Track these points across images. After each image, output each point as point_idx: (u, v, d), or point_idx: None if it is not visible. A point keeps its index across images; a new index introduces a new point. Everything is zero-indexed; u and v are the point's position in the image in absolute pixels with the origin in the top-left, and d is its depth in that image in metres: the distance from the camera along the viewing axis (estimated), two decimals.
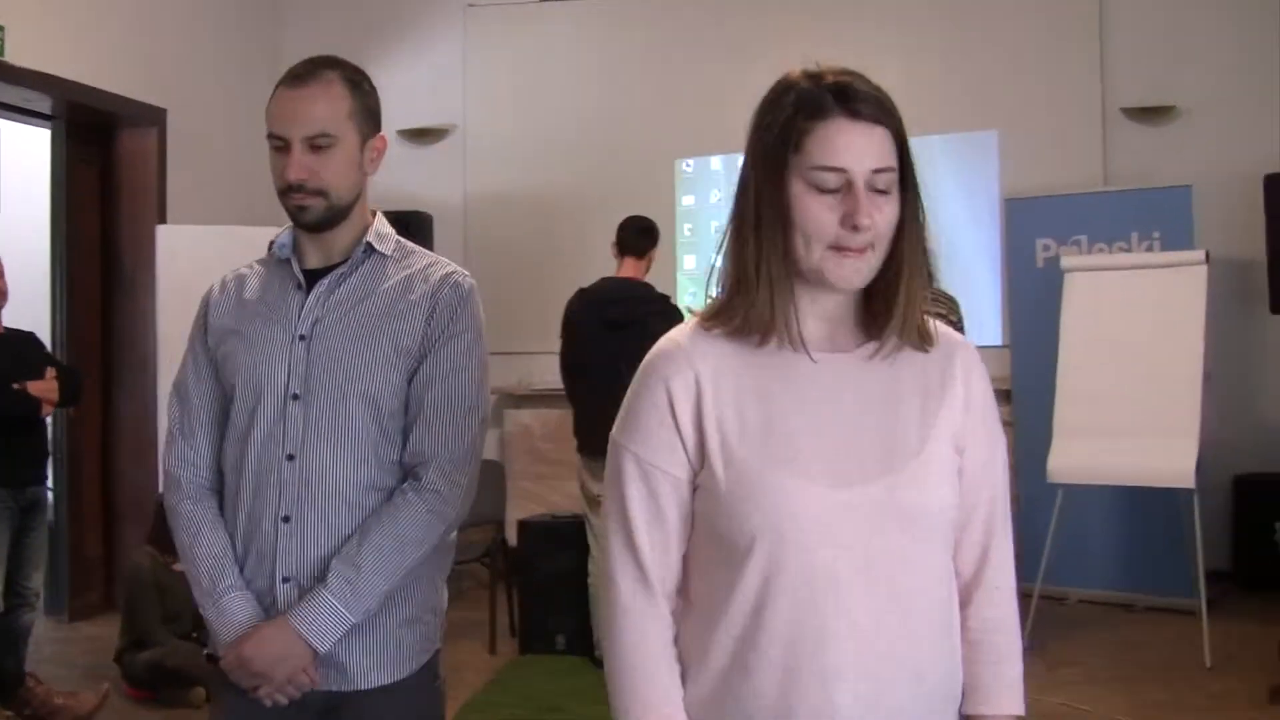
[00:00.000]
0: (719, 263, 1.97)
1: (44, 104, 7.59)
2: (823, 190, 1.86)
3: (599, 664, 6.31)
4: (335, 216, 2.58)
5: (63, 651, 7.02)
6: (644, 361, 1.98)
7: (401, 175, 9.38)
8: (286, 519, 2.47)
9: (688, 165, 9.17)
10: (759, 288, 1.88)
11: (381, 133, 2.66)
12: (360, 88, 2.59)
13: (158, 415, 7.56)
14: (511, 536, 7.45)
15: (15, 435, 5.58)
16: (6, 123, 8.19)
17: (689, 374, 1.92)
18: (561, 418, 8.80)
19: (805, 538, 1.83)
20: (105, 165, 8.24)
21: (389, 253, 2.66)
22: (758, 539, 1.84)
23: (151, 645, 6.12)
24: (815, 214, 1.86)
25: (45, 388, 5.67)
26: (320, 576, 2.43)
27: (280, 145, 2.51)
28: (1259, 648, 6.56)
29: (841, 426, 1.90)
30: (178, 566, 6.35)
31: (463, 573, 8.13)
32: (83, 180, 8.02)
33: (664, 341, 1.99)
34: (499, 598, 7.20)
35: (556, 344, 8.74)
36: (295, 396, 2.50)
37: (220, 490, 2.60)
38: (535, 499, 8.67)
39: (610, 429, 1.99)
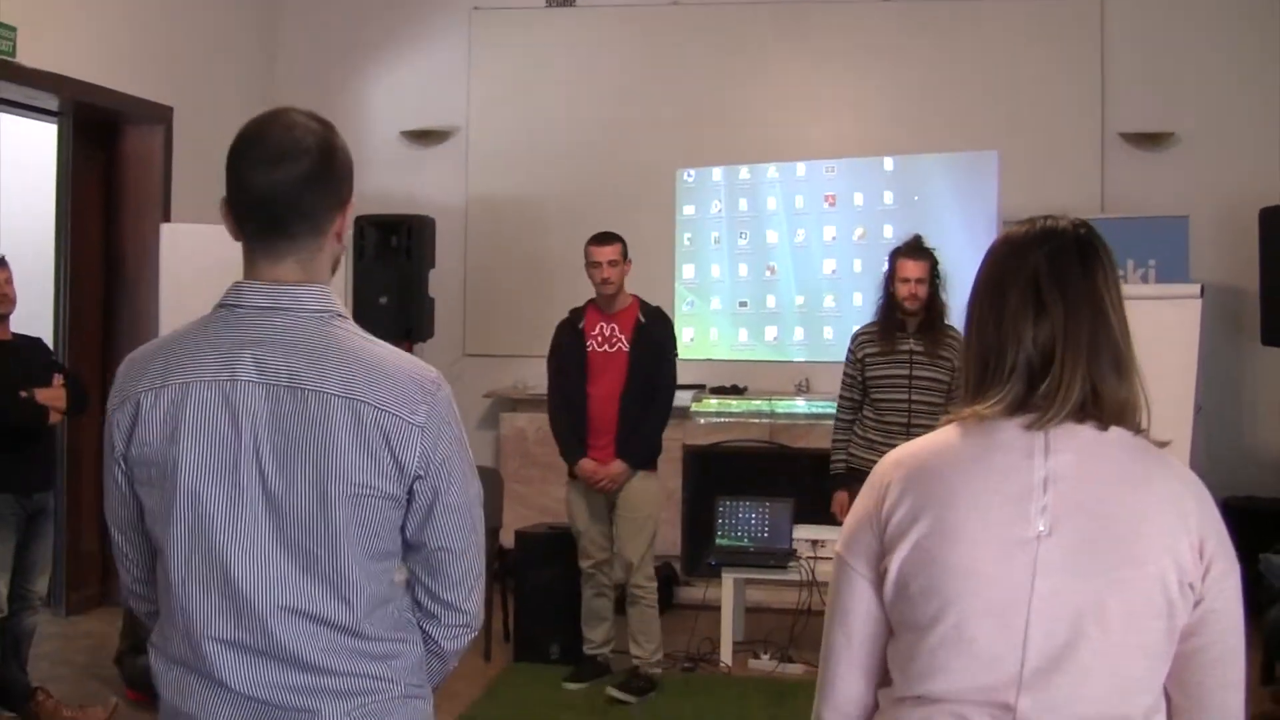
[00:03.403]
0: None
1: (51, 101, 7.59)
2: None
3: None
4: None
5: (61, 649, 7.08)
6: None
7: (403, 177, 9.44)
8: None
9: (689, 175, 9.21)
10: None
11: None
12: None
13: None
14: (507, 539, 7.52)
15: (24, 442, 5.62)
16: (11, 119, 8.21)
17: None
18: None
19: None
20: (110, 163, 8.27)
21: None
22: None
23: None
24: None
25: (53, 395, 5.70)
26: None
27: None
28: None
29: None
30: None
31: None
32: (88, 177, 8.03)
33: None
34: (493, 603, 7.26)
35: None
36: None
37: None
38: (526, 502, 8.74)
39: None
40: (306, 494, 2.06)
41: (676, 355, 6.81)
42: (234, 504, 2.07)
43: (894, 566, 1.95)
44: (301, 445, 2.06)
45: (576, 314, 6.79)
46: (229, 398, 2.07)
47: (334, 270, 2.25)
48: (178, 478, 2.07)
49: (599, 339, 6.66)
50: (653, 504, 6.70)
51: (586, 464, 6.59)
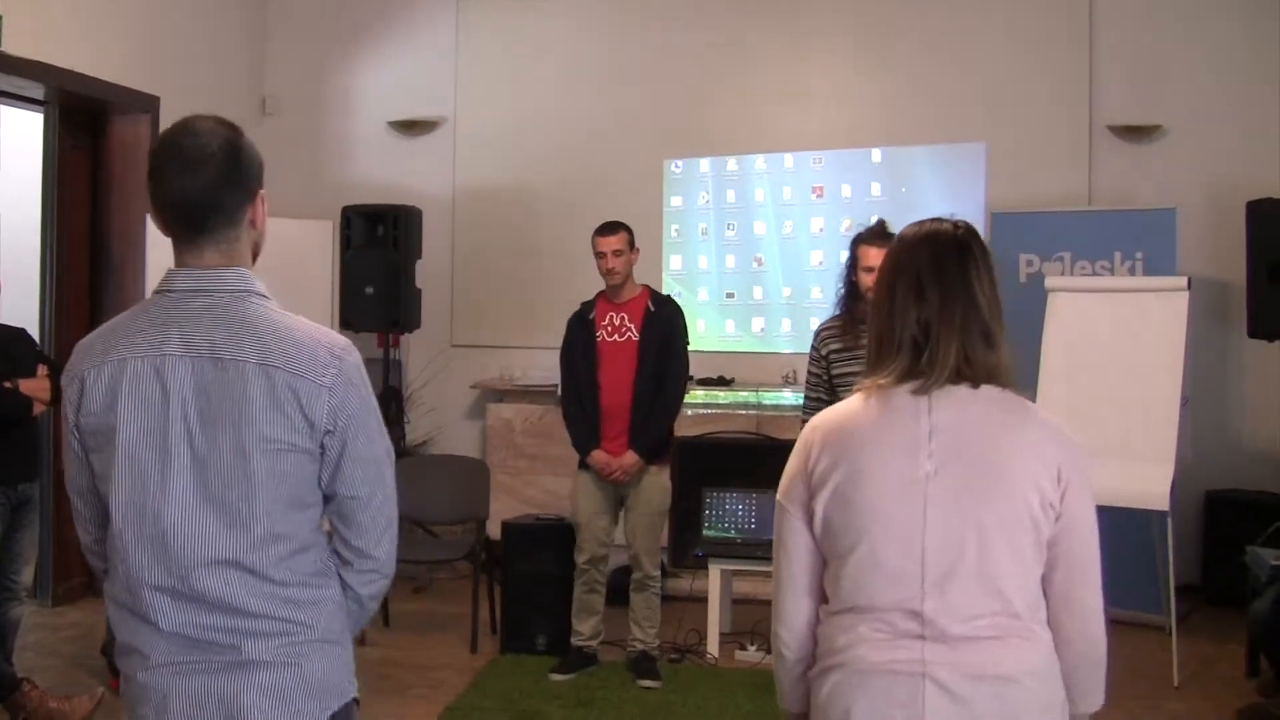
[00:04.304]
0: None
1: (37, 90, 7.57)
2: None
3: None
4: None
5: (47, 639, 7.06)
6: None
7: (390, 167, 9.44)
8: None
9: (676, 166, 9.20)
10: None
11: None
12: None
13: None
14: (493, 529, 7.50)
15: (8, 432, 5.59)
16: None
17: None
18: (543, 413, 8.88)
19: None
20: (97, 152, 8.24)
21: None
22: None
23: None
24: None
25: (37, 387, 5.65)
26: None
27: None
28: (1225, 667, 6.69)
29: None
30: None
31: (445, 566, 8.24)
32: (74, 167, 8.01)
33: None
34: (479, 593, 7.26)
35: (539, 339, 8.82)
36: None
37: None
38: (513, 493, 8.75)
39: None
40: (227, 450, 2.34)
41: (688, 343, 6.76)
42: (164, 462, 2.35)
43: (819, 508, 2.50)
44: (222, 407, 2.35)
45: (587, 306, 6.77)
46: (159, 369, 2.36)
47: (256, 255, 2.54)
48: (116, 441, 2.36)
49: (608, 329, 6.64)
50: (664, 499, 6.70)
51: (599, 455, 6.56)
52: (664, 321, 6.63)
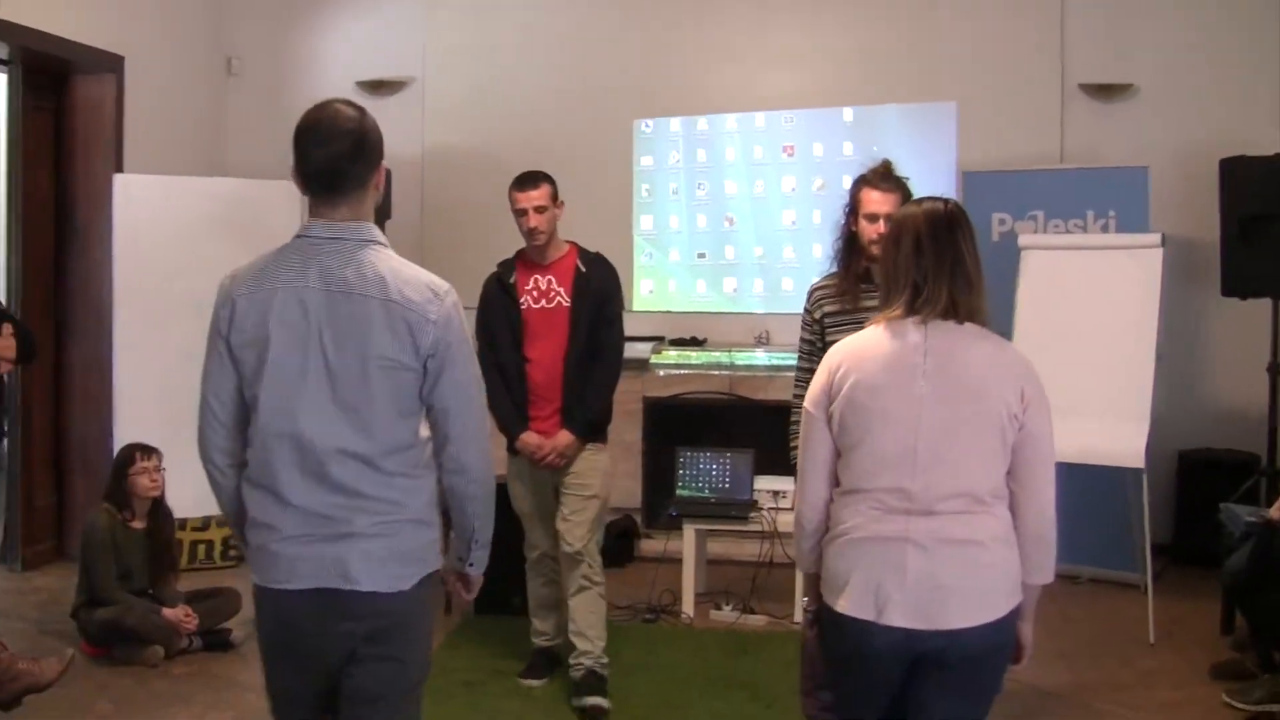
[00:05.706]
0: None
1: (0, 50, 7.47)
2: None
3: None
4: None
5: (15, 604, 7.00)
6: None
7: None
8: None
9: (647, 126, 9.15)
10: None
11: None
12: None
13: (112, 365, 7.56)
14: None
15: None
16: None
17: None
18: None
19: None
20: (61, 113, 8.12)
21: None
22: None
23: (108, 603, 6.12)
24: None
25: (2, 346, 5.58)
26: None
27: None
28: (1199, 625, 6.72)
29: None
30: (135, 524, 6.37)
31: None
32: (38, 127, 7.90)
33: None
34: None
35: None
36: None
37: None
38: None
39: None
40: (352, 365, 2.99)
41: (623, 306, 6.01)
42: (303, 372, 2.99)
43: (837, 411, 3.25)
44: (350, 331, 2.99)
45: (505, 267, 5.99)
46: (302, 298, 2.99)
47: (375, 209, 3.19)
48: (267, 353, 2.99)
49: (534, 294, 5.83)
50: (602, 479, 5.91)
51: (530, 437, 5.78)
52: (598, 284, 5.83)
